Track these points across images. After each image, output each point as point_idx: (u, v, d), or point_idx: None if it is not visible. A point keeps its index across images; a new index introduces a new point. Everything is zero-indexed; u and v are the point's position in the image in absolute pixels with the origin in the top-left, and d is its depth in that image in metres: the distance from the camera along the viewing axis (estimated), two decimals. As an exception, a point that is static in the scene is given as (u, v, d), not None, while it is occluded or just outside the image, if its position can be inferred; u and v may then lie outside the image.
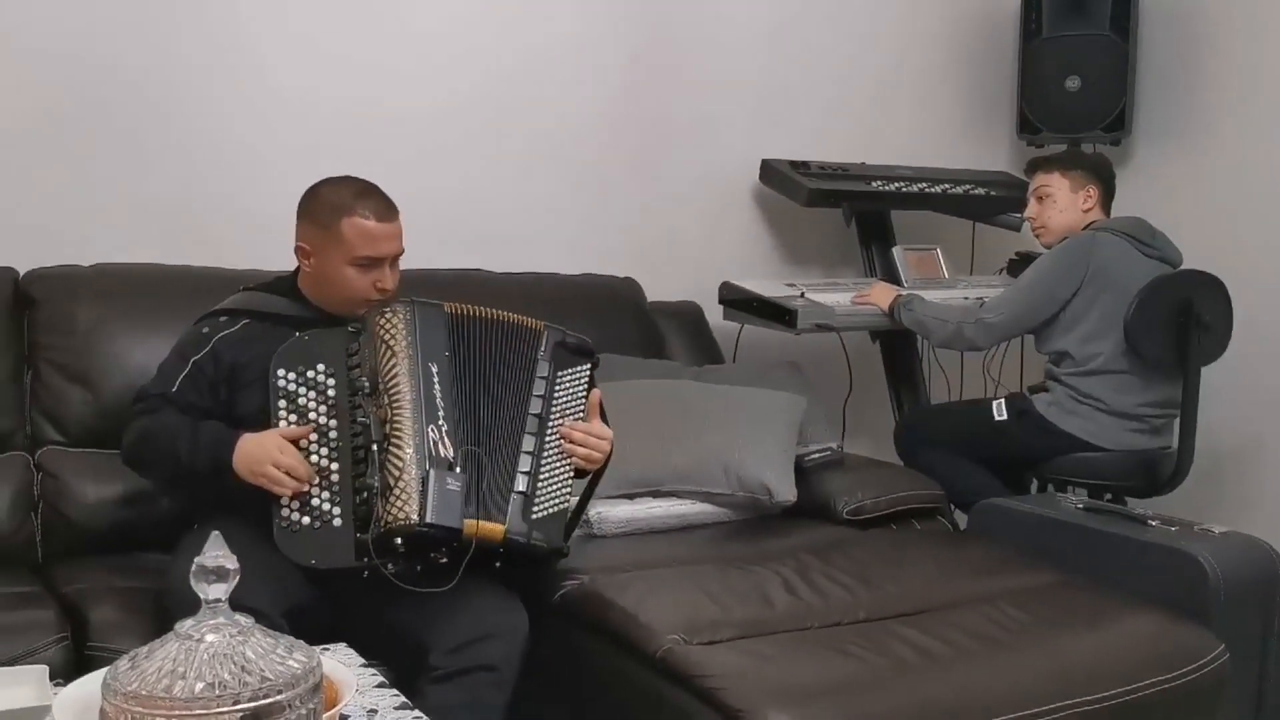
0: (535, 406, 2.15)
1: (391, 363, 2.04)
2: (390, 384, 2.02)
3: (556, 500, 2.12)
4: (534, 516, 2.07)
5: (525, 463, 2.10)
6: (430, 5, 3.18)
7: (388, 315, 2.10)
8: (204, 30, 2.89)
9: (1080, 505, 2.74)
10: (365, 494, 1.96)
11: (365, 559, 1.94)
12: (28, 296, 2.53)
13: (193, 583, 1.26)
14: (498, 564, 2.07)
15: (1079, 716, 1.94)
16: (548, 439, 2.14)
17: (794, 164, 3.54)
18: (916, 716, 1.87)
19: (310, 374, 2.07)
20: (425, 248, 2.82)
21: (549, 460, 2.13)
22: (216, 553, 1.26)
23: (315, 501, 1.99)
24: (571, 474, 2.16)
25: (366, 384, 2.04)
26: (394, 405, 2.00)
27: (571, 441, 2.15)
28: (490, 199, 3.27)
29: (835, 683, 1.90)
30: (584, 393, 2.21)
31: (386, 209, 2.16)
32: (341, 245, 2.12)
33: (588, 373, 2.24)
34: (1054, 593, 2.33)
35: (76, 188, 2.77)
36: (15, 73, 2.70)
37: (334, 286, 2.16)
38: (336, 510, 1.99)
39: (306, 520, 1.99)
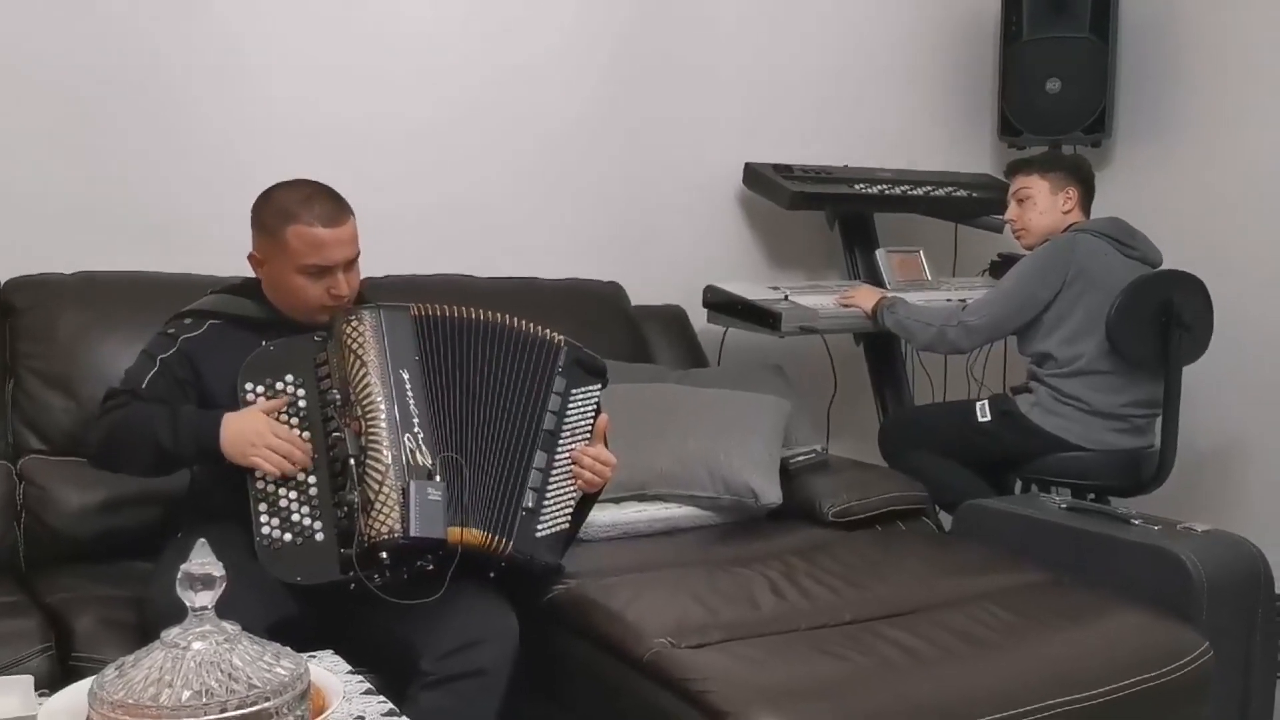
0: (549, 423, 2.12)
1: (362, 373, 1.99)
2: (362, 395, 1.98)
3: (559, 520, 2.12)
4: (537, 535, 2.07)
5: (535, 479, 2.09)
6: (413, 14, 3.18)
7: (354, 323, 2.04)
8: (193, 41, 2.88)
9: (1064, 505, 2.74)
10: (346, 509, 1.94)
11: (350, 573, 1.91)
12: (9, 304, 2.52)
13: (179, 590, 1.26)
14: (491, 574, 2.07)
15: (1064, 716, 1.94)
16: (557, 458, 2.13)
17: (777, 167, 3.55)
18: (903, 717, 1.87)
19: (279, 385, 2.03)
20: (409, 254, 2.83)
21: (557, 479, 2.12)
22: (203, 560, 1.26)
23: (295, 517, 1.96)
24: (575, 495, 2.16)
25: (338, 395, 1.99)
26: (368, 417, 1.96)
27: (581, 465, 2.15)
28: (474, 204, 3.27)
29: (822, 684, 1.90)
30: (593, 414, 2.20)
31: (335, 214, 2.06)
32: (288, 253, 2.05)
33: (598, 393, 2.22)
34: (1039, 592, 2.33)
35: (58, 195, 2.75)
36: (-4, 82, 2.69)
37: (287, 295, 2.11)
38: (318, 525, 1.96)
39: (289, 537, 1.96)
